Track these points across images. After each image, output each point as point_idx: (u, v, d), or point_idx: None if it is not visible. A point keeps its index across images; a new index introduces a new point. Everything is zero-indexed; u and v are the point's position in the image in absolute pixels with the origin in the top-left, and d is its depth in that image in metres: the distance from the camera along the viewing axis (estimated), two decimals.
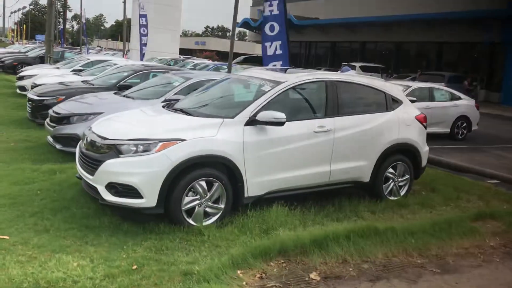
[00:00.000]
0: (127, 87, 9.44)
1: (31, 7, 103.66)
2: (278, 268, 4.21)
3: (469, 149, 12.14)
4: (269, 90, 5.55)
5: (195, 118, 5.38)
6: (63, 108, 8.18)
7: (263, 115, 5.19)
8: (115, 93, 9.04)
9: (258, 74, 6.33)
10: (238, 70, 19.06)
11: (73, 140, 7.42)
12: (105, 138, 5.05)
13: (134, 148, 4.82)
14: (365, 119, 6.10)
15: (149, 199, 4.74)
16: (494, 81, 30.07)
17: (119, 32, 75.19)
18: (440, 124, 12.64)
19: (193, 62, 25.74)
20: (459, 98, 13.50)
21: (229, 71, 11.74)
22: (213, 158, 5.02)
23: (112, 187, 4.80)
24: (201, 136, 4.97)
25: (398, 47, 37.21)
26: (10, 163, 7.18)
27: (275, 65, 8.73)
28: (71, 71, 14.92)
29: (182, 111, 5.74)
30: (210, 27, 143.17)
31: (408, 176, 6.53)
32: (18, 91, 15.71)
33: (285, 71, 6.95)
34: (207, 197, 5.00)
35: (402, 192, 6.53)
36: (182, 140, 4.86)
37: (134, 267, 3.99)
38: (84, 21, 38.31)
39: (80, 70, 14.72)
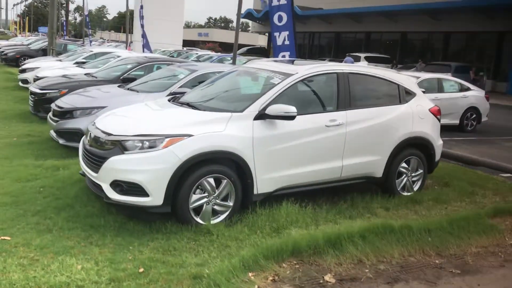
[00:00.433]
0: (131, 79, 9.25)
1: None
2: (291, 270, 4.02)
3: (479, 141, 11.93)
4: (279, 83, 5.33)
5: (203, 113, 5.18)
6: (65, 101, 7.99)
7: (273, 109, 4.98)
8: (119, 86, 8.84)
9: (267, 66, 6.11)
10: (242, 61, 18.89)
11: (76, 135, 7.27)
12: (110, 134, 4.86)
13: (140, 144, 4.63)
14: (378, 112, 5.89)
15: (155, 197, 4.55)
16: (500, 71, 29.71)
17: (122, 23, 74.89)
18: (449, 116, 12.38)
19: (197, 53, 25.55)
20: (469, 89, 13.25)
21: (234, 62, 11.54)
22: (222, 154, 4.83)
23: (117, 185, 4.61)
24: (209, 131, 4.77)
25: (403, 37, 36.81)
26: (13, 159, 7.01)
27: (284, 56, 8.55)
28: (74, 64, 14.72)
29: (189, 105, 5.54)
30: (213, 18, 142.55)
31: (421, 171, 6.33)
32: (20, 84, 15.53)
33: (292, 62, 6.76)
34: (216, 194, 4.82)
35: (416, 187, 6.34)
36: (189, 135, 4.66)
37: (141, 270, 3.81)
38: (86, 13, 38.01)
39: (83, 63, 14.52)
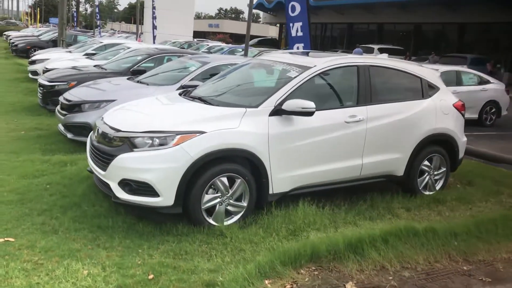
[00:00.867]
0: (141, 71, 9.01)
1: None
2: (310, 277, 3.76)
3: (499, 136, 11.54)
4: (296, 76, 5.05)
5: (215, 108, 4.91)
6: (74, 94, 7.78)
7: (290, 104, 4.71)
8: (128, 79, 8.61)
9: (282, 58, 5.82)
10: (254, 53, 18.59)
11: (84, 129, 7.08)
12: (118, 130, 4.62)
13: (150, 142, 4.39)
14: (400, 108, 5.59)
15: (166, 198, 4.31)
16: None
17: (132, 14, 74.63)
18: (468, 110, 11.86)
19: (208, 45, 25.26)
20: (488, 82, 12.84)
21: (246, 54, 11.27)
22: (235, 152, 4.57)
23: (126, 184, 4.38)
24: (222, 128, 4.51)
25: (417, 29, 36.14)
26: (20, 153, 6.82)
27: (298, 47, 8.26)
28: (83, 55, 14.52)
29: (201, 99, 5.28)
30: (224, 9, 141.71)
31: (444, 169, 6.04)
32: (30, 75, 15.36)
33: (307, 54, 6.47)
34: (229, 194, 4.57)
35: (438, 186, 6.05)
36: (202, 132, 4.40)
37: (151, 276, 3.58)
38: (97, 4, 37.86)
39: (93, 54, 14.33)
